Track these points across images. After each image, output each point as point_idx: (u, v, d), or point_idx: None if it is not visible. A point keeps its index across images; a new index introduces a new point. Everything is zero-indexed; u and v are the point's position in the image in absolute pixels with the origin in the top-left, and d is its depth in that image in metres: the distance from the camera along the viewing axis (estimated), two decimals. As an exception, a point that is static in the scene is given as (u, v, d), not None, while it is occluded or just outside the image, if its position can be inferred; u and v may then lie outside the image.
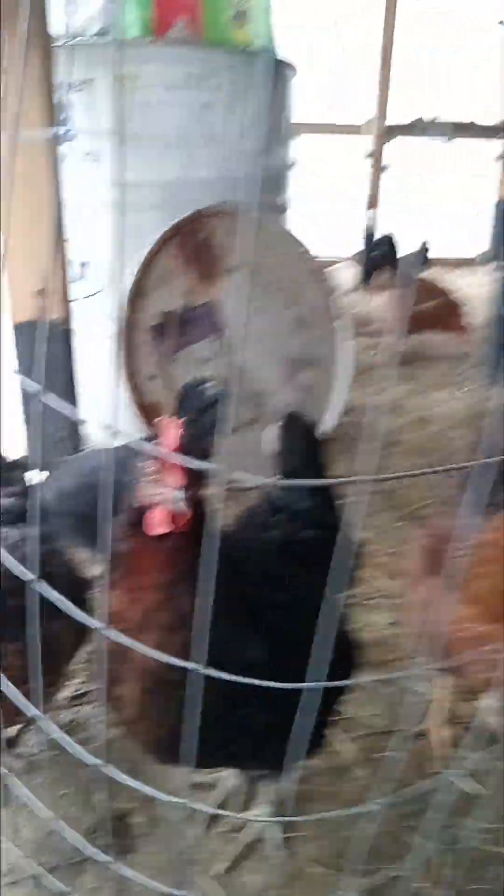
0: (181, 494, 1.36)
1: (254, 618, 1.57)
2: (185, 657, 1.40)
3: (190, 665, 0.97)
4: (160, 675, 1.45)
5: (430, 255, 6.97)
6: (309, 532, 1.92)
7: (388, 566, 3.32)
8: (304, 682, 1.54)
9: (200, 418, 2.73)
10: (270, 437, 4.05)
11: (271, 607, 1.62)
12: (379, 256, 6.28)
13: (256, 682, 0.98)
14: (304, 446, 2.18)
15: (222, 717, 1.46)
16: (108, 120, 3.73)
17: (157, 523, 1.44)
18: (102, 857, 1.39)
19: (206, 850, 2.10)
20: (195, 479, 1.40)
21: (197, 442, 2.75)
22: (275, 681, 1.45)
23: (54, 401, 1.17)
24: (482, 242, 8.97)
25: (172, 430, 1.41)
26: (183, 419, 1.47)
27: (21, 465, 3.05)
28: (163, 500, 1.41)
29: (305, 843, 2.11)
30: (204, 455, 2.83)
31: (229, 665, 1.44)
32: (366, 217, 7.84)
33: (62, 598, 2.15)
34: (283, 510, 2.04)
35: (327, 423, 4.30)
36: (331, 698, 1.83)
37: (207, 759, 1.59)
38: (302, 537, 1.91)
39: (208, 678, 1.41)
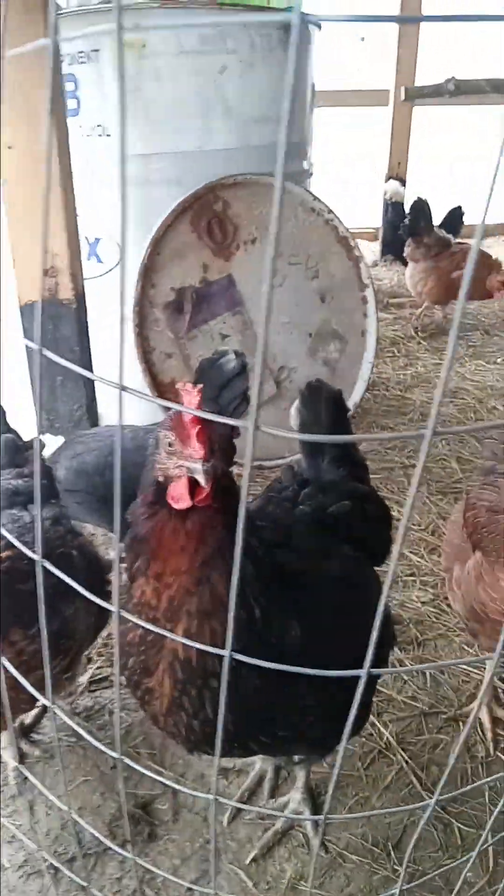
0: (200, 465, 1.21)
1: (291, 597, 1.42)
2: (222, 644, 1.28)
3: (222, 652, 0.83)
4: (195, 665, 1.32)
5: (465, 220, 6.71)
6: (344, 505, 1.78)
7: (423, 543, 3.16)
8: (342, 661, 1.42)
9: (221, 394, 2.59)
10: (296, 413, 3.93)
11: (307, 584, 1.47)
12: (412, 223, 6.04)
13: (305, 670, 0.85)
14: (328, 415, 2.04)
15: (265, 701, 1.34)
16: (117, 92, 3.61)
17: (177, 497, 1.28)
18: (123, 852, 1.27)
19: (234, 839, 1.98)
20: (215, 449, 1.25)
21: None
22: (314, 660, 1.33)
23: (52, 356, 1.03)
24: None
25: (191, 394, 1.27)
26: (200, 387, 1.32)
27: (28, 446, 2.97)
28: (182, 473, 1.27)
29: (339, 832, 1.98)
30: (226, 433, 2.73)
31: (269, 648, 1.32)
32: (388, 186, 7.58)
33: (71, 579, 2.06)
34: (312, 483, 1.90)
35: (352, 398, 4.13)
36: (372, 678, 1.70)
37: (245, 746, 1.47)
38: (335, 511, 1.76)
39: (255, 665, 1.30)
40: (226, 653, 0.83)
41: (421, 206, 6.10)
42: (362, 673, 0.81)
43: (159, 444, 1.30)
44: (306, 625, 1.35)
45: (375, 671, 0.80)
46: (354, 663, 1.56)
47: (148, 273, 3.54)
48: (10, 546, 1.89)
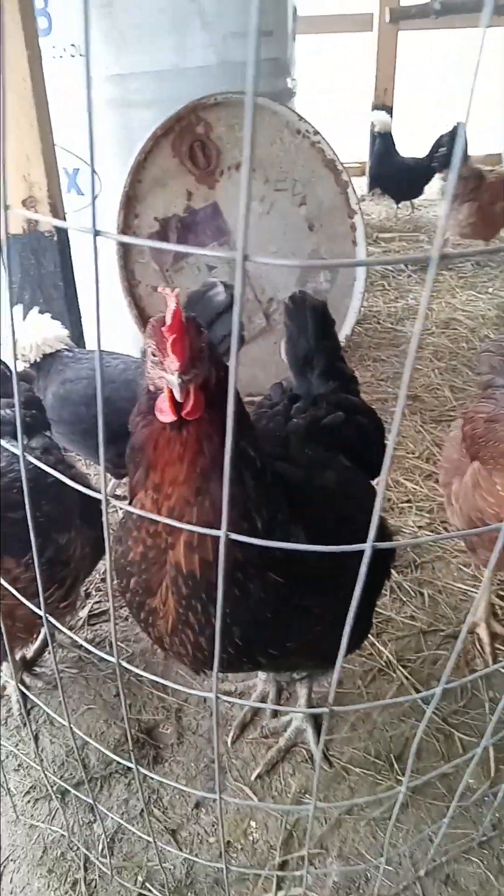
0: (175, 378, 1.14)
1: (292, 507, 1.38)
2: (218, 556, 1.24)
3: (216, 532, 0.79)
4: (199, 578, 1.28)
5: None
6: (338, 415, 1.73)
7: (418, 470, 3.14)
8: (344, 571, 1.39)
9: (212, 328, 2.51)
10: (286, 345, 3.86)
11: (307, 494, 1.43)
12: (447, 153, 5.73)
13: (312, 547, 0.80)
14: (314, 326, 1.97)
15: (273, 611, 1.31)
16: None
17: (162, 410, 1.23)
18: (129, 763, 1.26)
19: (238, 758, 2.00)
20: (196, 359, 1.18)
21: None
22: (317, 571, 1.30)
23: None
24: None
25: (172, 301, 1.19)
26: (177, 292, 1.23)
27: (24, 378, 2.89)
28: (164, 384, 1.20)
29: (342, 746, 2.00)
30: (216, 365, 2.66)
31: (273, 560, 1.28)
32: (374, 116, 7.30)
33: (58, 473, 2.03)
34: (303, 397, 1.85)
35: (343, 330, 4.05)
36: (373, 591, 1.69)
37: (254, 660, 1.45)
38: (329, 422, 1.71)
39: (261, 574, 1.27)
40: (221, 533, 0.79)
41: (460, 134, 5.79)
42: (366, 547, 0.77)
43: (146, 353, 1.24)
44: (308, 535, 1.31)
45: (380, 545, 0.76)
46: (356, 575, 1.55)
47: (130, 202, 3.41)
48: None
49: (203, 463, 1.24)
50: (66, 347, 2.80)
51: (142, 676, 2.23)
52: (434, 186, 6.88)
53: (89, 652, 2.32)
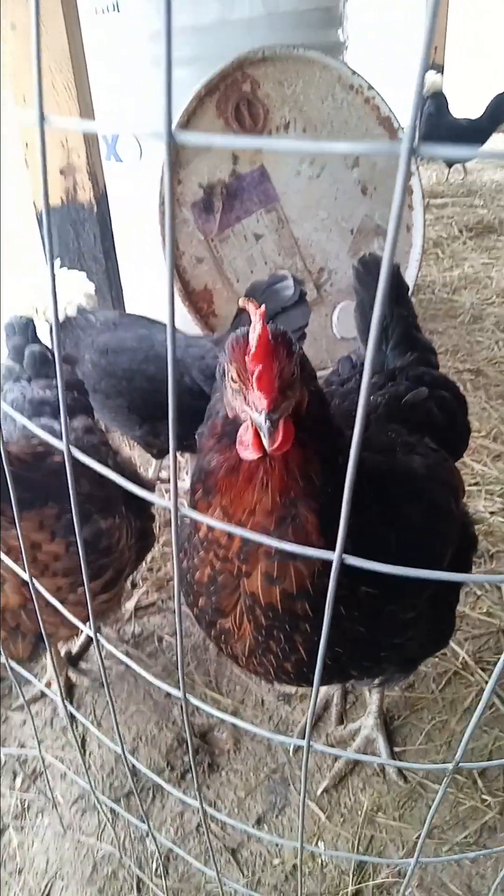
0: (263, 419, 0.95)
1: (382, 503, 1.18)
2: (303, 588, 1.07)
3: (330, 555, 0.60)
4: (281, 611, 1.11)
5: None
6: (420, 392, 1.51)
7: (486, 450, 2.90)
8: (434, 564, 1.19)
9: (275, 316, 2.29)
10: (342, 317, 3.62)
11: (395, 484, 1.23)
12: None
13: (425, 573, 0.60)
14: (389, 292, 1.74)
15: (368, 625, 1.12)
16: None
17: (245, 445, 1.04)
18: (184, 797, 1.09)
19: (301, 768, 1.83)
20: (285, 390, 0.98)
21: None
22: (409, 566, 1.11)
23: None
24: None
25: (258, 320, 0.96)
26: (263, 310, 1.01)
27: (67, 360, 2.73)
28: (247, 419, 1.02)
29: (417, 759, 1.81)
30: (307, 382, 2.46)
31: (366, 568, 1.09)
32: (424, 76, 6.89)
33: (107, 492, 1.85)
34: (378, 372, 1.64)
35: (401, 301, 3.80)
36: (454, 591, 1.49)
37: (345, 673, 1.27)
38: (411, 399, 1.50)
39: (352, 591, 1.10)
40: (334, 555, 0.60)
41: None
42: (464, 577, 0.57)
43: (224, 375, 1.03)
44: (399, 531, 1.11)
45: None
46: (443, 566, 1.35)
47: (173, 168, 3.20)
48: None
49: (292, 491, 1.04)
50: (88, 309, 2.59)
51: (195, 677, 2.08)
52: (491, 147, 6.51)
53: (140, 660, 2.18)
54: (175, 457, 0.71)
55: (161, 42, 3.20)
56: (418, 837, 1.64)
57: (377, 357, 1.66)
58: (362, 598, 1.09)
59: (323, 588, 1.05)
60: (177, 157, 3.20)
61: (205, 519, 0.77)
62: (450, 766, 0.92)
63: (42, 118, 0.71)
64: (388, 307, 1.68)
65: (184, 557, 1.21)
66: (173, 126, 0.54)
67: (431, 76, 7.05)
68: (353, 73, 3.47)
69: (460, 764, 0.90)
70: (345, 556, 0.61)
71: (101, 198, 3.12)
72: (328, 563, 0.82)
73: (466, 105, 6.80)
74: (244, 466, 1.06)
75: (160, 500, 0.78)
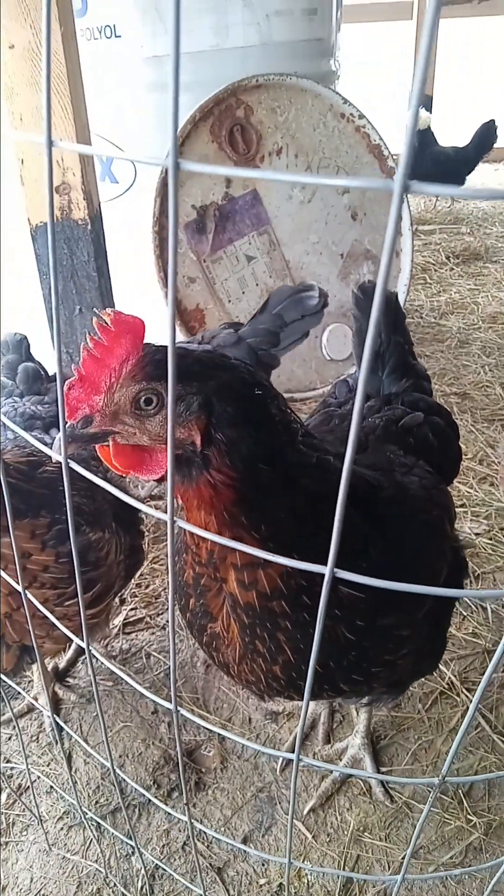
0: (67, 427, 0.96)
1: (372, 518, 1.19)
2: (276, 588, 1.08)
3: (321, 569, 0.62)
4: (259, 610, 1.12)
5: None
6: (416, 416, 1.55)
7: (472, 472, 2.94)
8: (426, 582, 1.21)
9: (286, 328, 2.34)
10: (332, 339, 3.67)
11: (389, 501, 1.24)
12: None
13: (411, 587, 0.62)
14: (385, 318, 1.79)
15: (359, 638, 1.14)
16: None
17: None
18: (173, 811, 1.10)
19: (288, 787, 1.83)
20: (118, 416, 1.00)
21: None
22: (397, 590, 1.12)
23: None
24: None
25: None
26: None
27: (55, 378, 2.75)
28: None
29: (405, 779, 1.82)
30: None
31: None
32: (412, 112, 7.04)
33: (97, 508, 1.86)
34: (373, 395, 1.68)
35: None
36: (448, 610, 1.51)
37: (336, 688, 1.28)
38: (407, 423, 1.54)
39: (346, 590, 1.11)
40: (326, 570, 0.62)
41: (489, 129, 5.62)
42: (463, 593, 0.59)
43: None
44: (391, 547, 1.14)
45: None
46: (438, 584, 1.37)
47: (167, 189, 3.24)
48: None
49: (223, 520, 1.03)
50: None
51: (182, 693, 2.08)
52: (478, 176, 6.65)
53: (129, 675, 2.17)
54: (173, 467, 0.73)
55: (155, 66, 3.28)
56: (404, 857, 1.64)
57: (373, 382, 1.70)
58: (344, 599, 1.11)
59: (296, 586, 1.07)
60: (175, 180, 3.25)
61: (196, 530, 0.78)
62: (436, 780, 0.94)
63: (50, 142, 0.73)
64: (385, 334, 1.71)
65: (177, 560, 1.23)
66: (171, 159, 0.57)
67: (421, 112, 7.20)
68: (345, 101, 3.55)
69: (446, 779, 0.92)
70: (336, 570, 0.63)
71: (96, 216, 3.16)
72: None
73: (452, 132, 6.96)
74: (183, 490, 1.06)
75: (155, 513, 0.80)
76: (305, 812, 1.75)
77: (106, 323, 1.00)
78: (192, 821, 1.23)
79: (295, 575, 1.08)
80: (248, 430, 0.98)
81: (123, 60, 3.32)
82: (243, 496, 0.99)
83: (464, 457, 3.05)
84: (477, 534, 2.62)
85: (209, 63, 3.36)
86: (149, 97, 3.34)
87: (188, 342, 2.46)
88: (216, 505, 1.01)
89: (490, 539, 2.57)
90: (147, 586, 2.50)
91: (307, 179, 0.51)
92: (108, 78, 3.33)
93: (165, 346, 0.99)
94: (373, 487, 1.18)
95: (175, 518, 0.70)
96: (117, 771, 1.30)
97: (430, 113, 7.26)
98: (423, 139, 6.88)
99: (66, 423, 0.97)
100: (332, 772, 1.81)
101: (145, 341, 1.03)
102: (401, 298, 3.93)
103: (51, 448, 0.88)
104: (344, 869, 1.62)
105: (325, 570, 0.62)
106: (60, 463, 0.86)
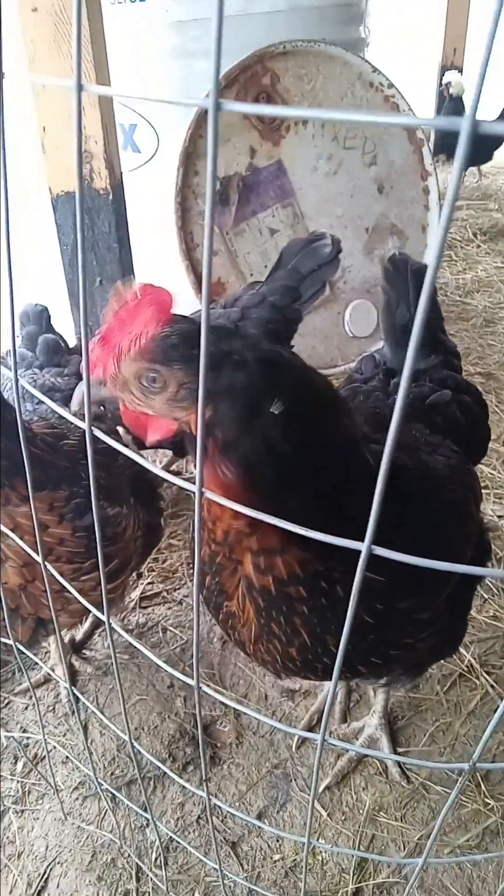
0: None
1: (399, 498, 1.15)
2: (293, 574, 1.05)
3: (359, 545, 0.59)
4: (275, 595, 1.10)
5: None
6: (444, 394, 1.51)
7: (496, 453, 2.89)
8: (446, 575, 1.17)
9: (304, 281, 2.32)
10: (355, 315, 3.61)
11: (416, 480, 1.21)
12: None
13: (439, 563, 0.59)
14: (416, 292, 1.74)
15: (374, 615, 1.11)
16: None
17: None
18: (189, 785, 1.09)
19: (304, 765, 1.83)
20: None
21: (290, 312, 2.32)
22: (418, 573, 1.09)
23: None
24: None
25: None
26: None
27: (76, 350, 2.73)
28: None
29: (422, 759, 1.81)
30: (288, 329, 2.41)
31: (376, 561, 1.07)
32: (450, 76, 6.85)
33: (115, 484, 1.84)
34: (398, 372, 1.63)
35: (413, 301, 3.78)
36: (470, 592, 1.48)
37: (353, 669, 1.26)
38: (435, 401, 1.49)
39: (345, 576, 1.07)
40: (363, 546, 0.59)
41: None
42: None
43: None
44: (421, 528, 1.10)
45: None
46: (461, 578, 1.33)
47: (190, 158, 3.18)
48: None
49: (240, 500, 1.00)
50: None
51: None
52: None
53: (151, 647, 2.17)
54: (203, 437, 0.70)
55: (180, 32, 3.19)
56: (420, 838, 1.64)
57: (399, 357, 1.65)
58: (366, 584, 1.08)
59: (314, 571, 1.04)
60: (194, 148, 3.19)
61: (225, 502, 0.76)
62: (465, 765, 0.91)
63: (80, 86, 0.69)
64: (413, 308, 1.66)
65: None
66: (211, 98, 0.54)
67: (457, 77, 7.00)
68: (374, 69, 3.45)
69: (477, 764, 0.89)
70: (373, 546, 0.60)
71: (118, 186, 3.10)
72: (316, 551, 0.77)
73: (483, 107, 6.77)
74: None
75: (183, 483, 0.77)
76: (321, 790, 1.75)
77: (135, 291, 0.99)
78: (209, 793, 1.22)
79: (313, 560, 1.05)
80: (249, 433, 0.94)
81: (148, 26, 3.24)
82: (249, 488, 0.96)
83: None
84: (500, 516, 2.58)
85: (235, 29, 3.27)
86: (170, 63, 3.26)
87: (213, 309, 2.43)
88: (226, 489, 0.99)
89: (513, 521, 2.52)
90: (164, 561, 2.49)
91: (357, 117, 0.47)
92: (132, 44, 3.25)
93: (186, 328, 0.97)
94: (396, 468, 1.15)
95: (203, 490, 0.67)
96: (133, 743, 1.29)
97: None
98: (454, 106, 6.71)
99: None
100: (348, 751, 1.80)
101: (174, 313, 1.01)
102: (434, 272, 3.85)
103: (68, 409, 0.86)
104: (358, 848, 1.62)
105: (362, 546, 0.59)
106: (82, 434, 0.84)
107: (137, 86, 3.30)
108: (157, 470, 0.80)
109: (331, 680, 1.72)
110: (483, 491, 2.66)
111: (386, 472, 0.56)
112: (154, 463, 2.90)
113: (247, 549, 1.08)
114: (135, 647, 1.95)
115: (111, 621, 1.12)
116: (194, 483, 0.69)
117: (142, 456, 1.05)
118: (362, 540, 0.60)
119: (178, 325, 0.97)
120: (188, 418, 1.00)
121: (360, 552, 0.59)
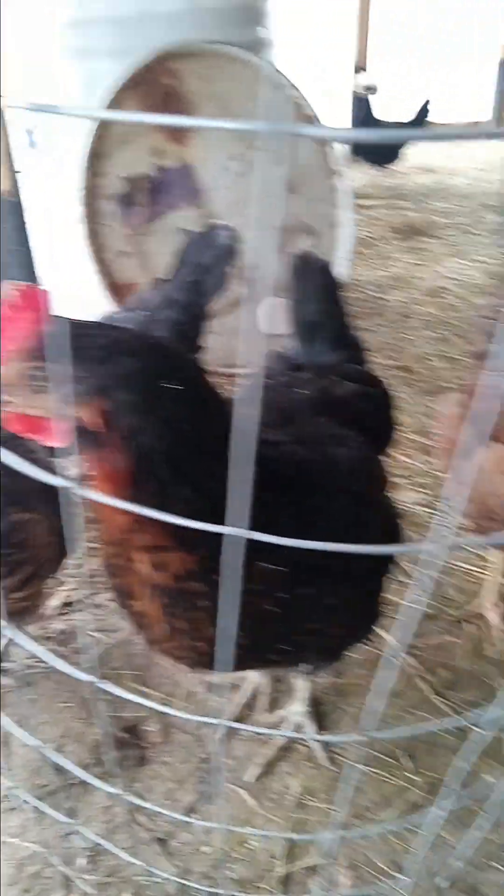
0: None
1: (293, 489, 1.19)
2: (191, 570, 1.06)
3: (228, 530, 0.60)
4: (175, 591, 1.11)
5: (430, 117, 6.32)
6: (349, 386, 1.54)
7: (412, 443, 2.97)
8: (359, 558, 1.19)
9: (205, 276, 2.29)
10: (267, 313, 3.64)
11: (315, 473, 1.23)
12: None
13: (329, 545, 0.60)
14: (321, 290, 1.78)
15: (279, 604, 1.12)
16: None
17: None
18: (105, 786, 1.07)
19: (232, 757, 1.82)
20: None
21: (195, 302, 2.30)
22: (330, 559, 1.10)
23: None
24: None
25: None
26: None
27: None
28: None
29: (347, 745, 1.83)
30: (195, 325, 2.40)
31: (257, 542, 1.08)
32: (361, 78, 7.01)
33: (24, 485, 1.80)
34: (307, 367, 1.66)
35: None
36: (377, 578, 1.51)
37: (263, 659, 1.26)
38: (341, 394, 1.52)
39: (247, 565, 1.06)
40: (239, 532, 0.60)
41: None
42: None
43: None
44: (323, 519, 1.12)
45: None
46: (370, 563, 1.36)
47: (95, 159, 3.15)
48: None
49: (130, 497, 1.00)
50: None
51: (122, 671, 2.05)
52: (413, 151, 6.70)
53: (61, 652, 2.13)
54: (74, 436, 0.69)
55: (78, 31, 3.16)
56: (348, 817, 1.66)
57: (308, 352, 1.68)
58: (262, 574, 1.09)
59: (209, 566, 1.05)
60: (100, 148, 3.16)
61: (104, 499, 0.75)
62: (358, 735, 0.94)
63: None
64: (319, 304, 1.70)
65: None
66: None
67: (371, 79, 7.15)
68: (276, 70, 3.49)
69: (369, 733, 0.91)
70: (247, 532, 0.61)
71: (16, 187, 3.04)
72: (212, 547, 0.79)
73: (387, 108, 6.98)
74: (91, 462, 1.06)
75: (55, 480, 0.76)
76: (248, 779, 1.75)
77: (14, 296, 0.99)
78: (131, 796, 1.21)
79: (206, 556, 1.05)
80: (145, 422, 0.96)
81: (43, 25, 3.19)
82: (143, 480, 0.97)
83: (405, 428, 3.09)
84: (420, 505, 2.65)
85: (136, 29, 3.26)
86: (70, 64, 3.22)
87: (118, 313, 2.40)
88: (118, 484, 0.99)
89: (432, 510, 2.60)
90: (85, 566, 2.44)
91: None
92: (27, 44, 3.20)
93: (68, 323, 0.97)
94: (292, 461, 1.17)
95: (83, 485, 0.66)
96: (51, 752, 1.27)
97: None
98: (360, 107, 6.89)
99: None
100: (272, 738, 1.81)
101: (53, 314, 1.02)
102: (342, 272, 3.92)
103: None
104: (288, 834, 1.63)
105: (236, 532, 0.60)
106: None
107: (34, 89, 3.24)
108: (29, 469, 0.78)
109: (247, 670, 1.73)
110: (401, 479, 2.74)
111: (248, 459, 0.57)
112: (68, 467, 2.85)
113: (140, 547, 1.08)
114: (55, 656, 1.91)
115: (19, 633, 1.10)
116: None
117: (46, 465, 1.04)
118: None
119: (58, 322, 0.98)
120: (81, 413, 0.99)
121: (253, 543, 0.60)
